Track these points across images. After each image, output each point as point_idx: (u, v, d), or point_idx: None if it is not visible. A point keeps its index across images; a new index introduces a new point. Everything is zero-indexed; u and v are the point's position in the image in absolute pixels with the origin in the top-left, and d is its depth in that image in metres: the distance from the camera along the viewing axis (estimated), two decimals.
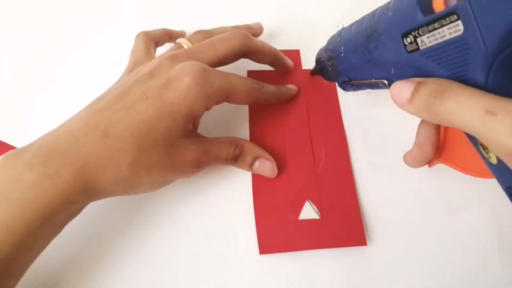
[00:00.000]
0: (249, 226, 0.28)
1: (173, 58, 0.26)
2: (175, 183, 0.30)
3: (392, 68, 0.22)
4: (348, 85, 0.27)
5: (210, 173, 0.31)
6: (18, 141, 0.32)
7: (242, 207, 0.29)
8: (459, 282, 0.27)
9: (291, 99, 0.33)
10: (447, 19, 0.17)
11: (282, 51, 0.35)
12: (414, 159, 0.25)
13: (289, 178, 0.30)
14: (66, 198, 0.22)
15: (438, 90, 0.19)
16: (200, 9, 0.39)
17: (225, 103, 0.28)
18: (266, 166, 0.29)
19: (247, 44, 0.29)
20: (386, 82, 0.24)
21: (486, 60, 0.17)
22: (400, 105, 0.21)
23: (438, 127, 0.24)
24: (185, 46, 0.30)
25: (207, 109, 0.26)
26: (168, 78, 0.24)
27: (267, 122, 0.33)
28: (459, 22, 0.17)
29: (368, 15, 0.24)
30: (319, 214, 0.29)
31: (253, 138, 0.32)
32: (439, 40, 0.18)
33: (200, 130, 0.28)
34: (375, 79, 0.24)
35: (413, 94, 0.20)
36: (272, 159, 0.29)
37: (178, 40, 0.31)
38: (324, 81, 0.33)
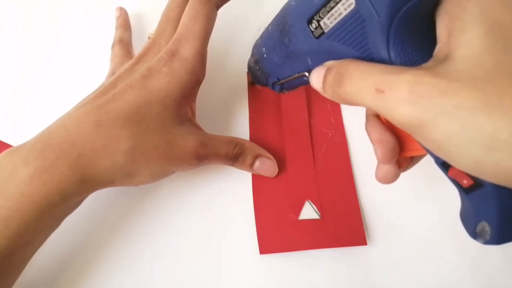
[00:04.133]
0: (249, 226, 0.28)
1: (150, 51, 0.26)
2: (174, 183, 0.30)
3: (308, 58, 0.22)
4: (279, 86, 0.27)
5: (210, 172, 0.30)
6: (17, 140, 0.32)
7: (242, 207, 0.29)
8: (459, 282, 0.27)
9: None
10: None
11: None
12: (383, 159, 0.21)
13: (289, 178, 0.30)
14: (63, 189, 0.22)
15: (338, 77, 0.19)
16: None
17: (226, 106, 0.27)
18: (267, 165, 0.29)
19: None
20: (307, 74, 0.23)
21: (382, 30, 0.17)
22: (321, 94, 0.21)
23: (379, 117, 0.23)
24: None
25: (198, 83, 0.26)
26: (148, 68, 0.25)
27: (267, 121, 0.32)
28: None
29: (280, 10, 0.24)
30: (319, 214, 0.29)
31: (253, 138, 0.32)
32: (338, 19, 0.18)
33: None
34: (297, 73, 0.24)
35: (323, 82, 0.20)
36: (272, 157, 0.29)
37: (150, 34, 0.31)
38: None
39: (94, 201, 0.29)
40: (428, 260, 0.27)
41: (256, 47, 0.28)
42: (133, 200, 0.29)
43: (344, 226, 0.28)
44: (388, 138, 0.21)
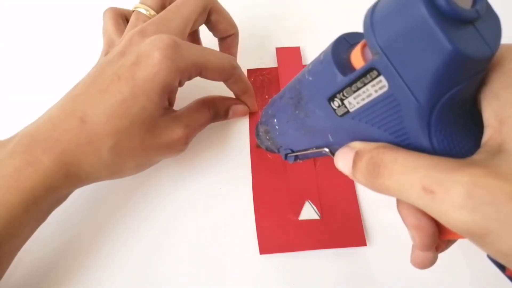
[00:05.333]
0: (249, 226, 0.28)
1: (142, 33, 0.25)
2: (174, 183, 0.30)
3: (329, 135, 0.20)
4: (293, 157, 0.25)
5: (210, 172, 0.31)
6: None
7: (242, 207, 0.29)
8: (459, 283, 0.27)
9: (251, 102, 0.32)
10: (368, 76, 0.15)
11: (282, 48, 0.35)
12: (422, 246, 0.19)
13: (289, 178, 0.30)
14: (49, 184, 0.22)
15: (373, 168, 0.16)
16: None
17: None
18: (238, 110, 0.31)
19: (211, 2, 0.28)
20: (327, 150, 0.21)
21: (421, 115, 0.15)
22: (350, 177, 0.18)
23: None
24: (144, 11, 0.28)
25: (180, 84, 0.26)
26: (138, 54, 0.24)
27: None
28: (381, 77, 0.15)
29: (292, 81, 0.21)
30: (319, 214, 0.29)
31: (253, 138, 0.32)
32: (367, 100, 0.16)
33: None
34: (316, 148, 0.22)
35: (353, 169, 0.17)
36: (239, 102, 0.31)
37: (135, 7, 0.29)
38: None
39: (93, 201, 0.29)
40: None
41: (266, 116, 0.25)
42: (133, 200, 0.30)
43: (344, 226, 0.28)
44: (427, 223, 0.18)
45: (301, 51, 0.36)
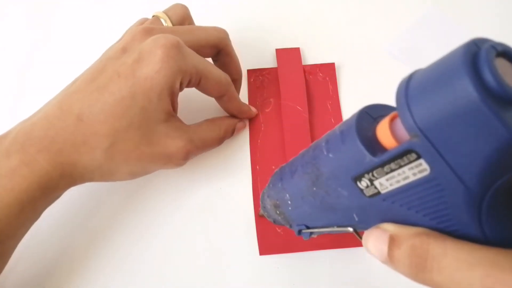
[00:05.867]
0: (249, 227, 0.28)
1: (147, 31, 0.25)
2: (174, 184, 0.30)
3: (355, 215, 0.17)
4: (308, 233, 0.22)
5: (210, 172, 0.30)
6: None
7: (242, 207, 0.29)
8: None
9: (249, 117, 0.32)
10: (405, 158, 0.13)
11: (282, 49, 0.35)
12: None
13: None
14: (44, 184, 0.22)
15: (417, 260, 0.14)
16: (199, 3, 0.39)
17: None
18: (240, 129, 0.31)
19: (224, 42, 0.28)
20: (351, 229, 0.18)
21: (471, 202, 0.13)
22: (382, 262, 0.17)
23: None
24: (163, 21, 0.28)
25: (181, 87, 0.25)
26: (140, 52, 0.23)
27: (267, 121, 0.32)
28: (422, 161, 0.13)
29: (304, 155, 0.19)
30: None
31: (253, 138, 0.32)
32: (403, 183, 0.14)
33: None
34: (337, 226, 0.19)
35: (390, 257, 0.15)
36: (240, 119, 0.31)
37: (155, 13, 0.28)
38: (320, 78, 0.33)
39: (93, 200, 0.29)
40: None
41: (275, 190, 0.22)
42: (133, 200, 0.30)
43: None
44: None
45: (301, 52, 0.36)
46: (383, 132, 0.14)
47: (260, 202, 0.25)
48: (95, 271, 0.27)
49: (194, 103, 0.32)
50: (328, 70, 0.35)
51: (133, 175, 0.25)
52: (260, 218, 0.29)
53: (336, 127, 0.17)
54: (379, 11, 0.38)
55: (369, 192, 0.15)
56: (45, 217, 0.24)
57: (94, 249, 0.28)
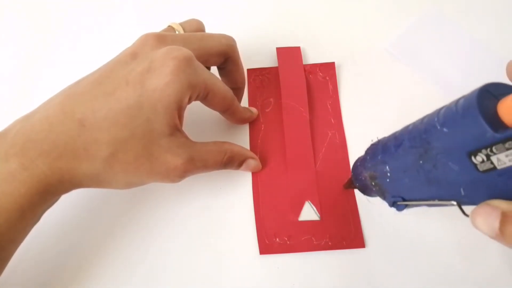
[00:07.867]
0: (249, 227, 0.29)
1: (160, 39, 0.24)
2: (175, 184, 0.30)
3: (462, 189, 0.18)
4: (403, 205, 0.22)
5: (210, 173, 0.30)
6: None
7: (242, 207, 0.29)
8: (458, 284, 0.27)
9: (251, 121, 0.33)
10: None
11: (283, 48, 0.35)
12: None
13: (289, 178, 0.30)
14: (43, 189, 0.22)
15: None
16: (199, 3, 0.39)
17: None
18: (252, 166, 0.29)
19: (232, 49, 0.28)
20: (455, 203, 0.19)
21: None
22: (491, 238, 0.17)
23: None
24: (176, 31, 0.28)
25: (189, 102, 0.25)
26: (152, 61, 0.23)
27: (267, 121, 0.32)
28: None
29: (411, 128, 0.19)
30: (318, 215, 0.29)
31: (253, 138, 0.32)
32: None
33: (198, 130, 0.27)
34: (438, 200, 0.20)
35: (502, 233, 0.16)
36: (255, 157, 0.30)
37: (171, 24, 0.28)
38: (320, 78, 0.33)
39: (91, 202, 0.29)
40: (426, 263, 0.28)
41: (373, 161, 0.22)
42: (132, 200, 0.29)
43: (343, 228, 0.28)
44: None
45: (301, 51, 0.36)
46: (507, 109, 0.15)
47: (352, 173, 0.25)
48: (95, 271, 0.27)
49: (201, 112, 0.32)
50: (328, 70, 0.35)
51: (129, 185, 0.25)
52: (260, 218, 0.29)
53: (451, 102, 0.17)
54: (379, 11, 0.38)
55: (483, 167, 0.16)
56: (45, 219, 0.24)
57: (94, 249, 0.28)
